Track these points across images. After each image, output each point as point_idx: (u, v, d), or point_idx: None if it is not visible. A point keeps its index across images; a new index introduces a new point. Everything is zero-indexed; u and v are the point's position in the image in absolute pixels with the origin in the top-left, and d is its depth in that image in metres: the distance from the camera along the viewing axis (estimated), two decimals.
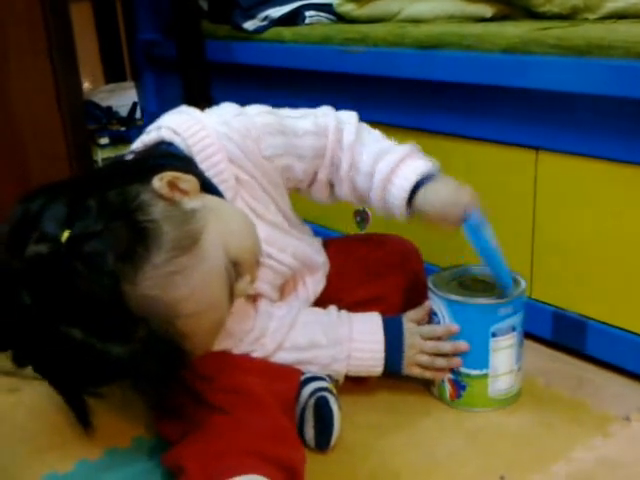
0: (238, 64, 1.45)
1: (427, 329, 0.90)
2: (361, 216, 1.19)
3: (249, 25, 1.44)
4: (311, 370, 0.87)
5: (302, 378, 0.87)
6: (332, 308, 0.91)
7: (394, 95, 1.15)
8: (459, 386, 0.91)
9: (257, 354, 0.85)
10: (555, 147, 0.97)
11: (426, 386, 0.96)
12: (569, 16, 1.24)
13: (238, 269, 0.74)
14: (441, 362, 0.89)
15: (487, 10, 1.27)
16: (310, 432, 0.83)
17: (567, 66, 0.91)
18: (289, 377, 0.86)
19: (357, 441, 0.86)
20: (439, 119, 1.10)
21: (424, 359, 0.90)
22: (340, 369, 0.88)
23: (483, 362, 0.89)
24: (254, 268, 0.80)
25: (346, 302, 0.96)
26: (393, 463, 0.83)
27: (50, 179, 0.94)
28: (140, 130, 1.51)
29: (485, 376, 0.89)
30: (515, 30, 1.01)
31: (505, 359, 0.89)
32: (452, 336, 0.89)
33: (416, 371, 0.91)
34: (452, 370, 0.90)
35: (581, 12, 1.23)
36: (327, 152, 0.89)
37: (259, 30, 1.42)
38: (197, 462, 0.71)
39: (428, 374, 0.91)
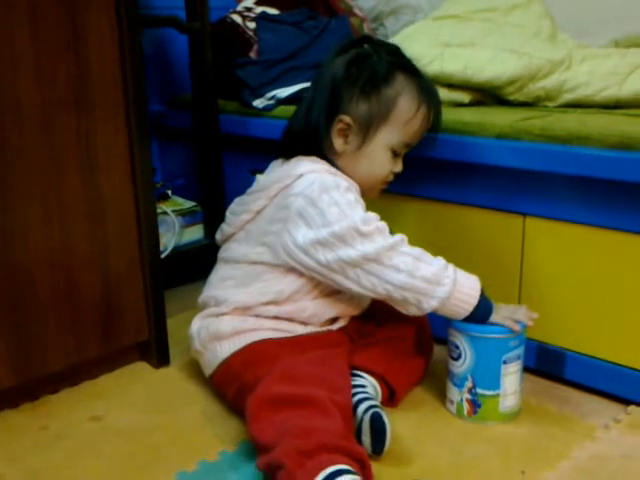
0: (247, 137, 1.67)
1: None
2: None
3: (258, 103, 1.66)
4: (407, 296, 1.07)
5: (355, 399, 1.08)
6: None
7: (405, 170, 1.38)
8: (475, 404, 1.14)
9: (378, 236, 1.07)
10: (539, 213, 1.23)
11: (444, 405, 1.19)
12: (533, 104, 1.52)
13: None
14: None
15: (465, 97, 1.54)
16: (367, 441, 1.04)
17: (551, 153, 1.17)
18: (343, 391, 1.05)
19: (400, 449, 1.07)
20: (442, 189, 1.35)
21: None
22: (433, 305, 1.07)
23: (496, 384, 1.12)
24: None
25: (377, 336, 1.23)
26: (432, 464, 1.05)
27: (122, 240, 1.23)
28: (159, 191, 1.70)
29: (497, 395, 1.13)
30: (504, 119, 1.28)
31: (513, 381, 1.13)
32: (469, 364, 1.12)
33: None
34: (470, 392, 1.13)
35: (542, 101, 1.52)
36: None
37: (268, 108, 1.64)
38: (294, 459, 0.90)
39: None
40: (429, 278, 1.06)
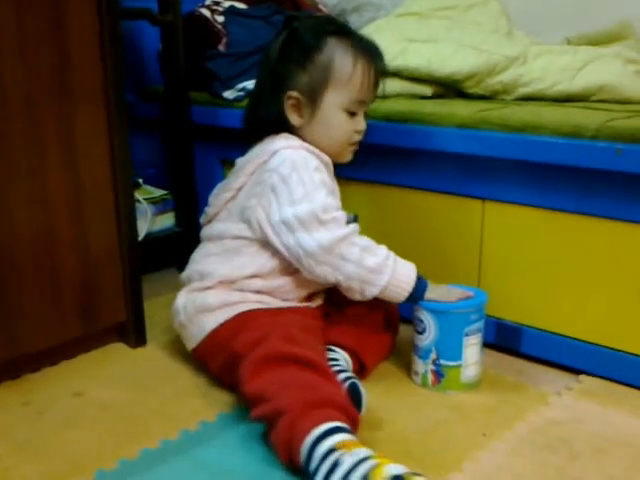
0: (217, 126, 1.72)
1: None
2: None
3: (228, 94, 1.72)
4: (352, 285, 1.16)
5: (332, 370, 1.15)
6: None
7: (370, 158, 1.45)
8: (439, 374, 1.22)
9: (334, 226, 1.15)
10: (498, 198, 1.32)
11: (410, 376, 1.27)
12: (491, 97, 1.61)
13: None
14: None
15: (427, 90, 1.62)
16: None
17: (508, 140, 1.25)
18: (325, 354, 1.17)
19: (370, 416, 1.14)
20: (407, 176, 1.43)
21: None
22: (374, 292, 1.17)
23: (458, 355, 1.21)
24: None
25: (348, 313, 1.30)
26: (401, 429, 1.12)
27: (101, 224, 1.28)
28: None
29: (459, 366, 1.21)
30: (464, 110, 1.36)
31: (473, 353, 1.22)
32: (433, 337, 1.20)
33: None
34: (434, 363, 1.21)
35: (500, 94, 1.60)
36: None
37: (238, 99, 1.70)
38: (300, 407, 0.98)
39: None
40: (373, 268, 1.15)
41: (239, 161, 1.29)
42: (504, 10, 1.78)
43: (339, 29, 1.25)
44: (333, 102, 1.22)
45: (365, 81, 1.23)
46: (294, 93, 1.22)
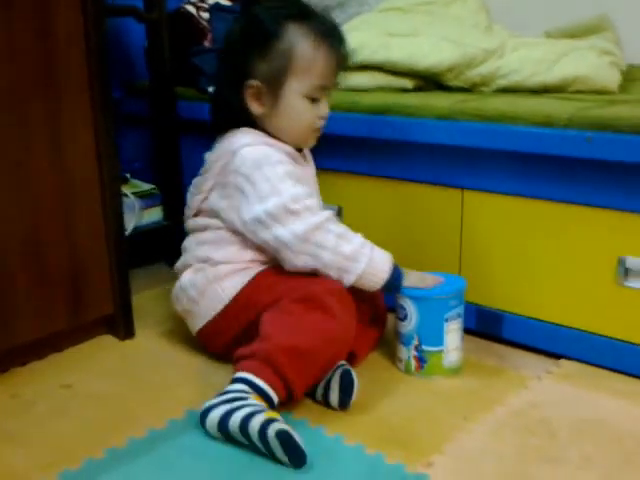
0: (204, 121, 1.74)
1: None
2: None
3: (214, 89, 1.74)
4: (330, 273, 1.18)
5: None
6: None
7: (351, 150, 1.49)
8: (422, 360, 1.25)
9: (307, 214, 1.16)
10: (476, 187, 1.35)
11: (394, 364, 1.29)
12: (470, 89, 1.64)
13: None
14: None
15: (408, 83, 1.65)
16: (335, 396, 1.15)
17: (484, 130, 1.28)
18: None
19: (358, 402, 1.16)
20: (388, 167, 1.46)
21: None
22: (351, 280, 1.18)
23: (439, 341, 1.24)
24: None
25: None
26: (385, 413, 1.15)
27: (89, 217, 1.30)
28: None
29: (441, 351, 1.24)
30: (443, 102, 1.39)
31: (454, 338, 1.25)
32: (415, 323, 1.23)
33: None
34: (417, 349, 1.24)
35: (478, 86, 1.63)
36: None
37: None
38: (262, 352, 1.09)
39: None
40: (348, 255, 1.17)
41: (206, 158, 1.30)
42: (484, 5, 1.81)
43: (300, 13, 1.22)
44: (294, 89, 1.21)
45: (326, 67, 1.22)
46: (254, 82, 1.21)
